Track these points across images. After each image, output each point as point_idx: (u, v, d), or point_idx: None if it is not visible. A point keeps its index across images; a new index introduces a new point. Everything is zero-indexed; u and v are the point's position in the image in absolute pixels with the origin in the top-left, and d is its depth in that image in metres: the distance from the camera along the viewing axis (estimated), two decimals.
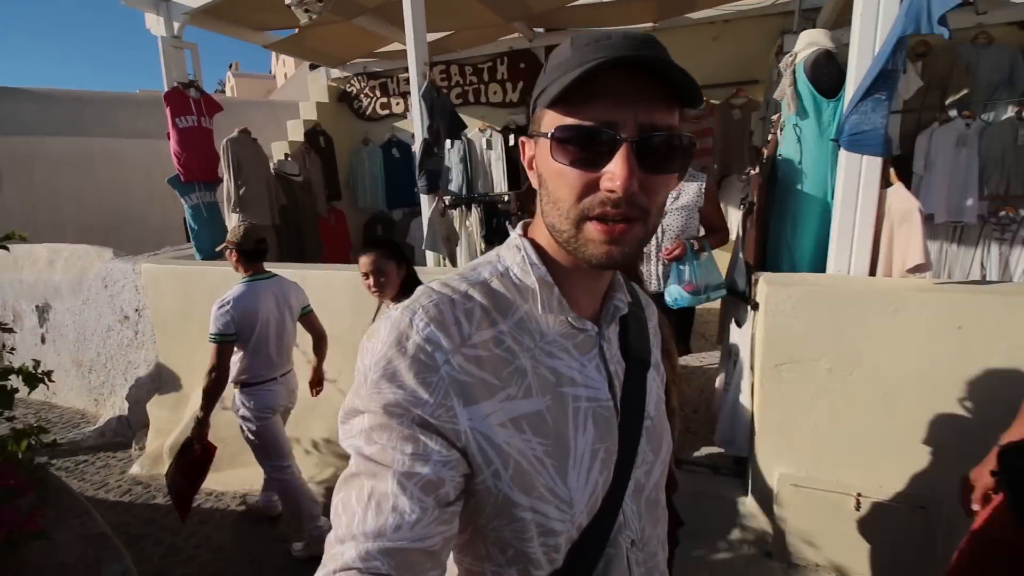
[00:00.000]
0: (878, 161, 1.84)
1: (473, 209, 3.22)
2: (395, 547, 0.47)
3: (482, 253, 3.29)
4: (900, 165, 3.81)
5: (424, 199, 2.88)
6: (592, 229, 0.52)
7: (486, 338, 0.55)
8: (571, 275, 0.60)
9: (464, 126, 3.26)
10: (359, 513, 0.49)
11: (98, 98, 8.81)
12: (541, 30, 4.91)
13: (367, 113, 5.55)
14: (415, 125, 2.77)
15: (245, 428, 2.36)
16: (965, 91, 3.55)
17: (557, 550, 0.58)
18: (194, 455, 2.20)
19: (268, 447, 2.37)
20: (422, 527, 0.49)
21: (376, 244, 1.91)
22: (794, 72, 2.41)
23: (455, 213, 2.92)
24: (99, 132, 8.20)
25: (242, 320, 2.22)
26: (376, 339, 0.54)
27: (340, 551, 0.48)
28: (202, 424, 2.21)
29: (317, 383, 2.61)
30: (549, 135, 0.51)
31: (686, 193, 2.24)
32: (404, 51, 4.88)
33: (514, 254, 0.61)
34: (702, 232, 2.41)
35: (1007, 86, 3.55)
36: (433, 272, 2.81)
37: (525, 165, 0.59)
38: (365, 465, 0.51)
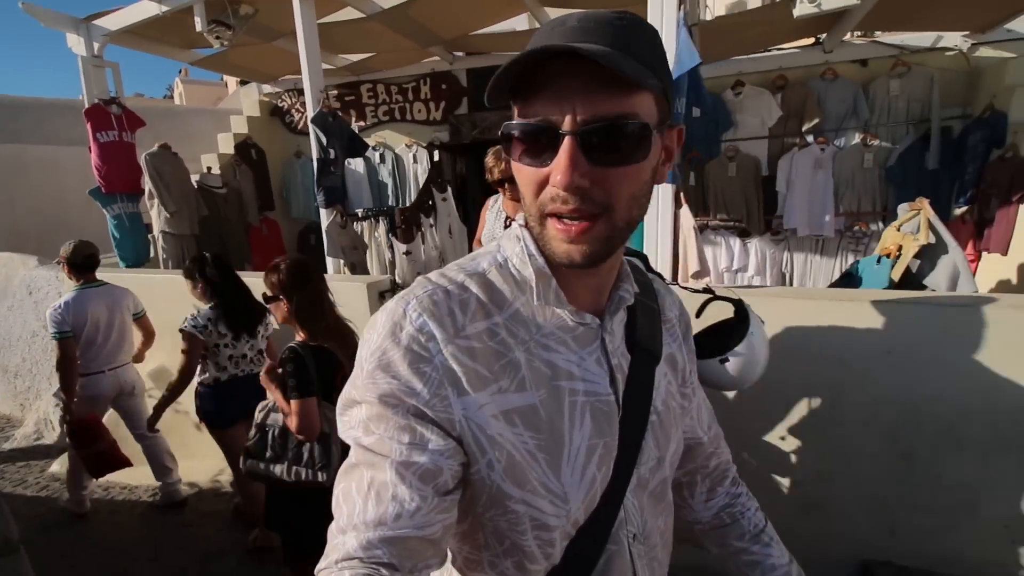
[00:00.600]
0: (669, 187, 2.22)
1: (380, 220, 3.50)
2: (396, 535, 0.48)
3: (388, 262, 3.59)
4: (766, 185, 4.33)
5: (323, 212, 3.17)
6: (552, 227, 0.52)
7: (479, 330, 0.55)
8: (570, 270, 0.57)
9: (366, 146, 3.55)
10: (359, 503, 0.49)
11: (34, 104, 8.71)
12: (461, 54, 5.25)
13: (299, 127, 5.76)
14: (312, 147, 3.05)
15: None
16: (817, 120, 4.06)
17: (552, 545, 0.57)
18: (72, 428, 2.67)
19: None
20: (422, 515, 0.49)
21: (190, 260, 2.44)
22: None
23: (365, 224, 3.20)
24: (35, 139, 8.13)
25: (74, 320, 2.65)
26: (373, 330, 0.54)
27: (342, 541, 0.49)
28: (68, 403, 2.68)
29: (138, 359, 3.07)
30: (500, 133, 0.52)
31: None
32: (333, 69, 5.24)
33: (514, 244, 0.60)
34: None
35: (852, 115, 4.08)
36: (334, 277, 3.10)
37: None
38: (364, 455, 0.51)
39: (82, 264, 2.77)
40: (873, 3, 2.83)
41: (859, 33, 4.03)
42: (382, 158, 5.55)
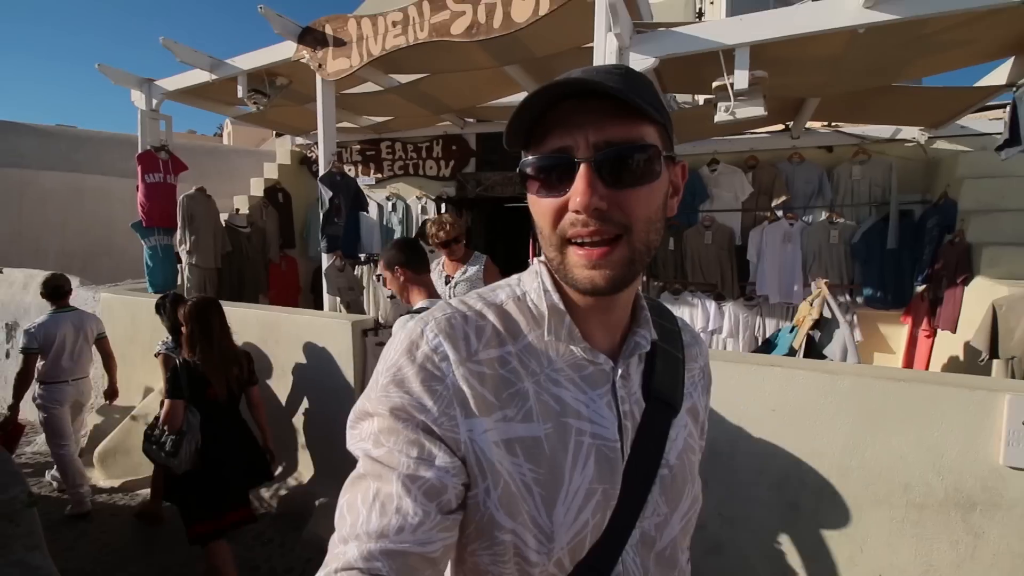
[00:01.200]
0: None
1: (375, 265, 3.92)
2: (397, 549, 0.47)
3: (385, 302, 3.97)
4: (739, 254, 4.65)
5: (324, 256, 3.62)
6: (573, 254, 0.53)
7: (492, 357, 0.56)
8: (584, 305, 0.59)
9: (367, 203, 4.04)
10: (363, 513, 0.49)
11: (94, 137, 9.67)
12: (471, 120, 5.83)
13: None
14: (321, 201, 3.53)
15: (40, 413, 3.38)
16: (785, 197, 4.41)
17: None
18: (5, 432, 3.19)
19: (54, 429, 3.35)
20: (424, 531, 0.49)
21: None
22: None
23: (367, 268, 3.62)
24: (92, 169, 9.02)
25: (44, 339, 3.27)
26: (391, 347, 0.57)
27: (343, 550, 0.48)
28: (13, 410, 3.20)
29: (111, 395, 3.65)
30: (518, 171, 0.55)
31: (471, 271, 2.96)
32: (357, 128, 5.87)
33: (532, 279, 0.62)
34: None
35: (818, 195, 4.42)
36: (324, 314, 3.50)
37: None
38: (372, 467, 0.52)
39: (50, 293, 3.45)
40: (815, 105, 3.22)
41: (824, 123, 4.42)
42: (394, 207, 6.09)
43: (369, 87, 4.46)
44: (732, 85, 2.33)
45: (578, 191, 0.50)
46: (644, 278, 4.90)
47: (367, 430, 0.54)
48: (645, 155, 0.52)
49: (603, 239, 0.51)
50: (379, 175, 6.21)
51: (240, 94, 3.99)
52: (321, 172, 3.53)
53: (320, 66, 3.50)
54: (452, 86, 4.51)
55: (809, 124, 4.38)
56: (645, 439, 0.61)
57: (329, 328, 3.08)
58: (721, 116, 2.43)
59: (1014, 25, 2.09)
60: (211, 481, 2.31)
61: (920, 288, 4.02)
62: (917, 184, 4.22)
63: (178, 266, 4.74)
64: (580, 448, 0.57)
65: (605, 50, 2.53)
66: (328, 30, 3.43)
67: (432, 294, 2.01)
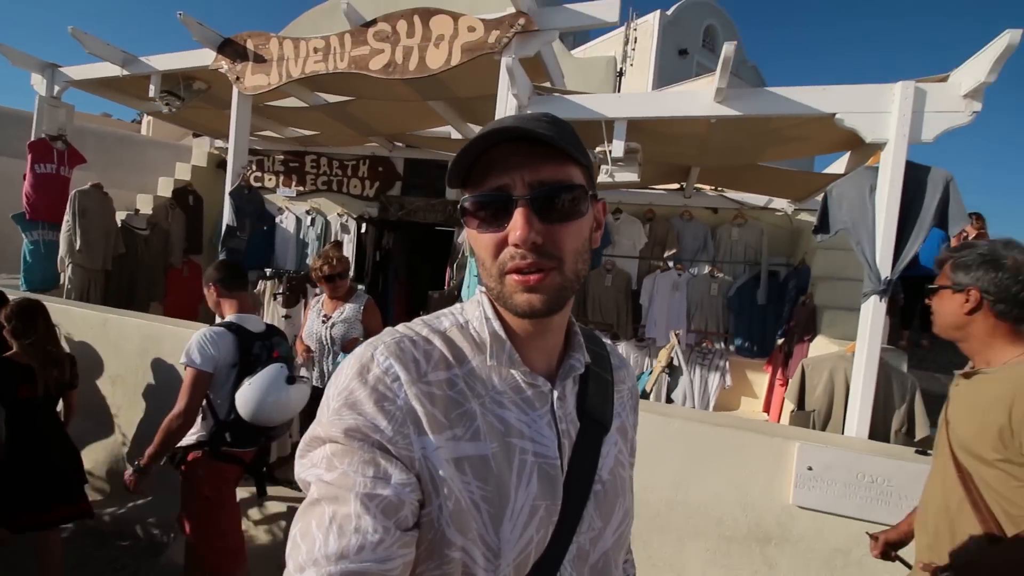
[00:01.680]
0: None
1: (278, 280, 3.89)
2: (358, 569, 0.47)
3: (279, 321, 3.93)
4: (634, 297, 5.03)
5: None
6: (511, 281, 0.57)
7: (440, 378, 0.58)
8: (523, 332, 0.63)
9: (273, 219, 4.04)
10: (320, 538, 0.49)
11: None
12: (400, 144, 5.96)
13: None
14: (225, 215, 3.50)
15: None
16: (675, 250, 4.87)
17: None
18: None
19: None
20: (384, 548, 0.49)
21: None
22: None
23: (270, 284, 3.58)
24: None
25: None
26: (341, 372, 0.58)
27: None
28: None
29: None
30: (459, 207, 0.60)
31: (348, 310, 2.82)
32: (281, 139, 5.81)
33: (474, 308, 0.65)
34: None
35: (703, 251, 4.92)
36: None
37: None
38: (326, 490, 0.51)
39: None
40: (698, 171, 3.64)
41: (712, 187, 4.96)
42: (312, 222, 6.04)
43: (296, 102, 4.49)
44: (610, 152, 2.63)
45: (517, 226, 0.55)
46: None
47: (319, 455, 0.54)
48: (573, 194, 0.58)
49: (539, 268, 0.56)
50: (301, 188, 6.15)
51: (152, 94, 3.89)
52: (228, 185, 3.51)
53: (238, 79, 3.52)
54: (379, 112, 4.63)
55: (700, 186, 4.90)
56: (580, 456, 0.65)
57: None
58: (602, 178, 2.72)
59: (838, 130, 2.53)
60: (22, 476, 2.27)
61: (779, 341, 4.55)
62: (783, 249, 4.81)
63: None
64: (524, 466, 0.60)
65: (506, 106, 2.77)
66: (249, 45, 3.47)
67: (243, 309, 2.17)
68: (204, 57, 3.65)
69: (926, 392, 5.01)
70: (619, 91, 5.86)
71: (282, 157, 6.19)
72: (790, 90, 2.39)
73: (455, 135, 5.52)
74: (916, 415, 2.42)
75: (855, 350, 2.42)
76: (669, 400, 2.61)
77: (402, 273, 6.73)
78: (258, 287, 3.36)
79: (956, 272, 1.30)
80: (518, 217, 0.56)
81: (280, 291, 3.23)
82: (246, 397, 1.94)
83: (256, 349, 2.07)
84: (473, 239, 0.61)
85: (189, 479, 2.03)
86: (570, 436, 0.65)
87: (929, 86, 2.23)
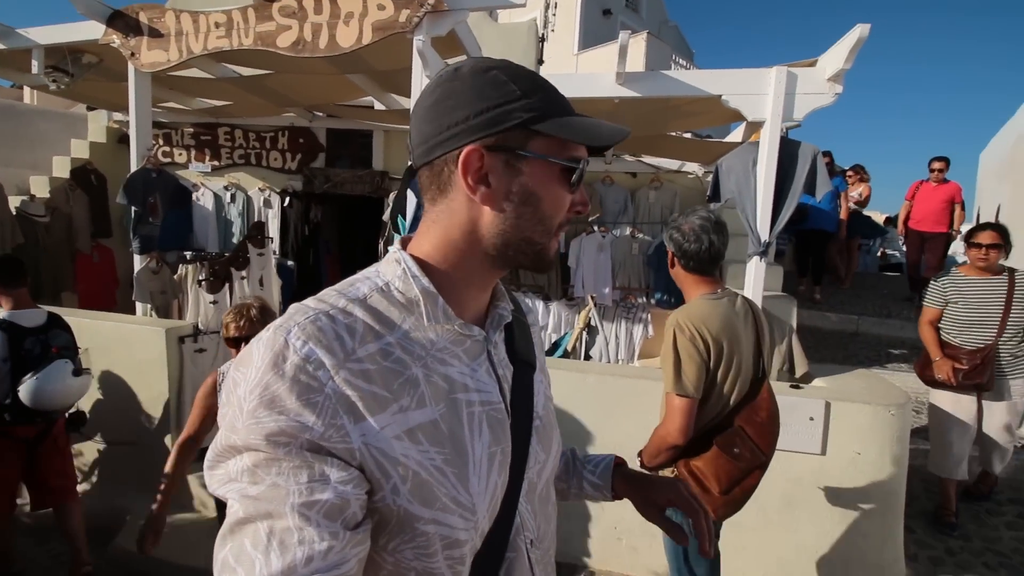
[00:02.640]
0: None
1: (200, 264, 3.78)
2: None
3: (207, 307, 3.87)
4: (562, 259, 5.29)
5: (136, 258, 3.45)
6: (555, 240, 0.64)
7: (372, 351, 0.54)
8: (458, 285, 0.62)
9: (190, 195, 3.89)
10: (259, 559, 0.45)
11: None
12: (321, 114, 5.76)
13: None
14: (120, 198, 3.34)
15: None
16: (598, 214, 5.14)
17: (462, 562, 0.57)
18: None
19: None
20: (335, 554, 0.46)
21: None
22: None
23: (191, 268, 3.48)
24: None
25: None
26: (248, 365, 0.51)
27: None
28: None
29: None
30: (566, 163, 0.60)
31: None
32: (190, 110, 5.46)
33: (394, 268, 0.61)
34: None
35: (624, 213, 5.23)
36: (135, 319, 3.35)
37: (469, 178, 0.58)
38: (255, 507, 0.47)
39: None
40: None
41: (630, 153, 5.22)
42: (232, 198, 5.81)
43: (201, 72, 4.23)
44: None
45: (585, 196, 0.64)
46: None
47: (237, 467, 0.49)
48: None
49: None
50: (216, 162, 5.85)
51: (35, 70, 3.57)
52: (132, 169, 3.34)
53: (133, 55, 3.31)
54: (296, 84, 4.46)
55: (619, 153, 5.14)
56: (518, 397, 0.67)
57: (140, 335, 3.00)
58: None
59: (726, 108, 2.78)
60: None
61: None
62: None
63: None
64: (473, 418, 0.59)
65: (420, 87, 2.81)
66: (143, 18, 3.25)
67: (19, 305, 2.39)
68: (93, 30, 3.38)
69: (817, 328, 5.68)
70: (542, 57, 5.91)
71: (191, 130, 5.83)
72: (681, 73, 2.61)
73: (379, 106, 5.43)
74: (795, 355, 2.84)
75: None
76: (588, 357, 2.89)
77: (334, 246, 6.65)
78: (178, 272, 3.28)
79: (668, 241, 1.68)
80: (583, 190, 0.63)
81: (203, 277, 3.18)
82: (31, 388, 2.27)
83: (28, 344, 2.33)
84: (551, 193, 0.60)
85: None
86: (507, 380, 0.67)
87: (800, 70, 2.52)
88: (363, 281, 0.61)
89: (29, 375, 2.27)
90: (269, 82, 4.36)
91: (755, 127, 3.29)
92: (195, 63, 3.76)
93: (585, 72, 3.11)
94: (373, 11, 2.78)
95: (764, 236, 2.61)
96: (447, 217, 0.61)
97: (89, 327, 3.05)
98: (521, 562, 0.65)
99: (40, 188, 5.09)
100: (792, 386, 2.51)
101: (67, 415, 2.65)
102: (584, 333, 3.13)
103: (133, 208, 3.32)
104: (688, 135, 4.83)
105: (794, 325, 4.16)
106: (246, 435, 0.48)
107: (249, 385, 0.49)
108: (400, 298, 0.59)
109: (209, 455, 0.52)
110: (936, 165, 5.74)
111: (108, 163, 5.67)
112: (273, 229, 5.75)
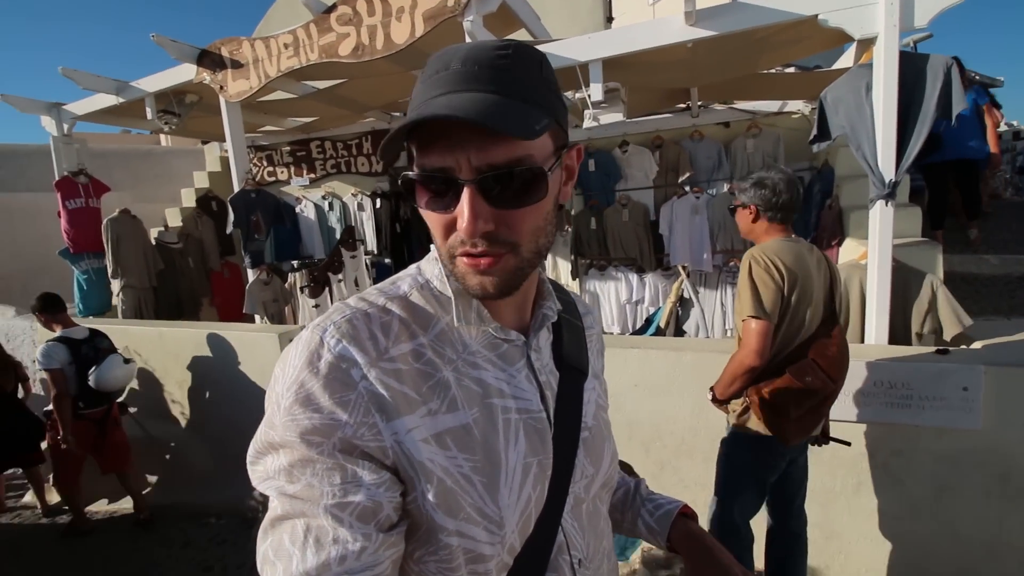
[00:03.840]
0: None
1: (302, 272, 4.07)
2: None
3: (311, 311, 4.17)
4: (654, 228, 4.97)
5: (249, 272, 3.79)
6: (461, 264, 0.52)
7: (404, 351, 0.53)
8: None
9: (292, 211, 4.18)
10: (296, 554, 0.46)
11: (15, 151, 9.26)
12: (398, 114, 5.92)
13: (257, 180, 6.41)
14: (229, 222, 3.68)
15: None
16: (689, 173, 4.72)
17: None
18: None
19: None
20: (369, 555, 0.47)
21: None
22: None
23: (299, 275, 3.78)
24: (16, 187, 8.70)
25: None
26: (286, 363, 0.51)
27: None
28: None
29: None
30: (400, 180, 0.54)
31: None
32: (284, 130, 5.90)
33: (433, 266, 0.60)
34: None
35: (719, 169, 4.75)
36: (251, 327, 3.70)
37: None
38: (292, 505, 0.48)
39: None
40: (698, 94, 3.46)
41: (720, 102, 4.71)
42: (331, 206, 6.19)
43: (284, 93, 4.52)
44: (589, 96, 2.57)
45: (463, 216, 0.49)
46: (573, 256, 5.21)
47: (275, 465, 0.50)
48: (530, 177, 0.50)
49: (491, 254, 0.51)
50: (312, 175, 6.29)
51: (149, 116, 4.03)
52: (234, 191, 3.66)
53: (222, 88, 3.59)
54: (369, 89, 4.61)
55: (706, 102, 4.66)
56: (564, 406, 0.63)
57: (258, 342, 3.29)
58: (588, 122, 2.68)
59: (830, 27, 2.36)
60: None
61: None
62: (804, 153, 4.56)
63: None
64: (509, 425, 0.57)
65: None
66: (225, 52, 3.51)
67: (67, 325, 3.27)
68: (187, 72, 3.73)
69: (972, 275, 4.79)
70: (611, 14, 5.52)
71: (288, 148, 6.30)
72: None
73: None
74: (942, 313, 2.37)
75: (867, 257, 2.37)
76: (682, 332, 2.66)
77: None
78: (288, 280, 3.56)
79: (740, 194, 1.81)
80: (465, 206, 0.49)
81: (304, 284, 3.42)
82: (97, 376, 3.11)
83: (84, 350, 3.18)
84: (424, 215, 0.54)
85: (52, 432, 3.17)
86: (551, 387, 0.63)
87: None
88: (405, 279, 0.60)
89: (92, 369, 3.10)
90: (344, 91, 4.55)
91: (868, 46, 2.77)
92: (276, 85, 4.01)
93: (655, 19, 2.82)
94: (422, 1, 2.73)
95: (889, 175, 2.18)
96: None
97: (214, 338, 3.42)
98: None
99: (174, 218, 5.81)
100: (939, 351, 2.10)
101: (118, 401, 3.45)
102: (677, 307, 2.88)
103: (228, 231, 3.65)
104: (791, 69, 4.22)
105: (940, 275, 3.52)
106: (283, 432, 0.49)
107: (287, 382, 0.50)
108: (439, 296, 0.58)
109: (251, 450, 0.53)
110: None
111: (225, 189, 6.30)
112: (368, 231, 6.07)
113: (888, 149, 2.16)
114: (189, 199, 6.09)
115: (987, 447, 1.94)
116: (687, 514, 0.77)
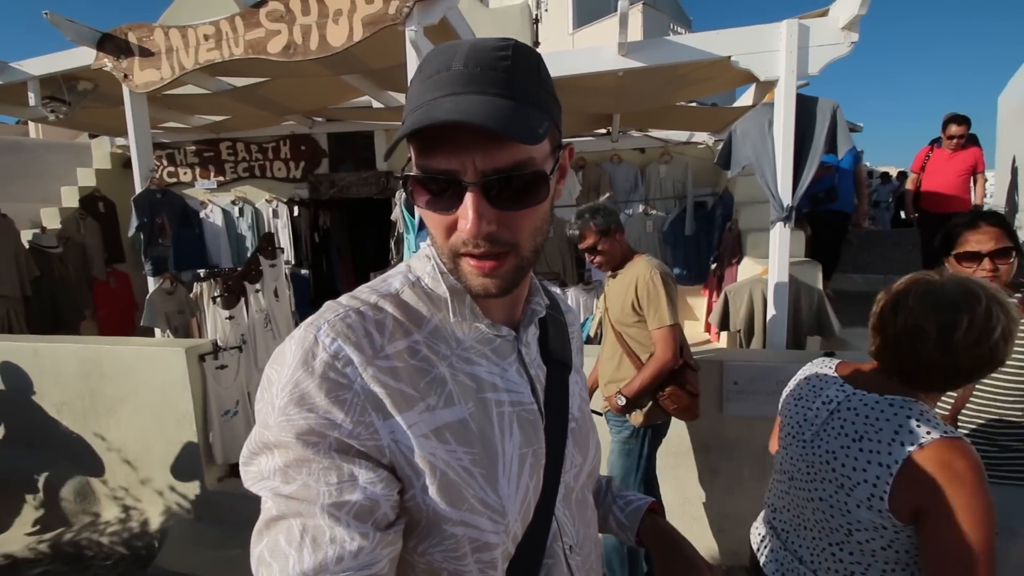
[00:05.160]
0: None
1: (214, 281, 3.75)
2: None
3: (223, 323, 3.85)
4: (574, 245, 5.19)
5: (150, 280, 3.45)
6: (465, 264, 0.53)
7: (400, 349, 0.54)
8: None
9: (196, 220, 3.88)
10: (293, 554, 0.46)
11: None
12: (320, 119, 5.71)
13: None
14: (132, 223, 3.33)
15: None
16: (609, 193, 5.02)
17: (494, 567, 0.56)
18: None
19: None
20: (366, 554, 0.47)
21: None
22: None
23: (204, 285, 3.46)
24: None
25: None
26: (281, 363, 0.51)
27: None
28: None
29: None
30: (402, 180, 0.67)
31: None
32: (189, 128, 5.46)
33: (424, 264, 0.61)
34: None
35: (635, 191, 5.11)
36: (154, 341, 3.35)
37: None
38: (287, 505, 0.48)
39: None
40: (620, 120, 3.72)
41: (637, 129, 5.09)
42: (241, 212, 5.81)
43: (194, 88, 4.20)
44: None
45: (467, 218, 0.50)
46: None
47: (270, 465, 0.49)
48: (533, 180, 0.52)
49: (493, 255, 0.52)
50: (221, 178, 5.86)
51: (32, 102, 3.57)
52: (137, 191, 3.33)
53: (127, 76, 3.27)
54: (292, 91, 4.41)
55: (625, 128, 5.01)
56: (552, 398, 0.65)
57: (161, 356, 2.99)
58: None
59: (739, 69, 2.65)
60: None
61: (713, 266, 4.87)
62: (708, 179, 5.06)
63: None
64: (503, 418, 0.58)
65: None
66: (132, 38, 3.21)
67: None
68: (84, 56, 3.35)
69: (843, 292, 5.50)
70: (537, 39, 5.77)
71: (194, 148, 5.83)
72: (687, 37, 2.49)
73: (377, 104, 5.36)
74: (824, 319, 2.73)
75: (767, 273, 2.67)
76: None
77: (346, 251, 6.62)
78: (193, 290, 3.26)
79: (595, 222, 2.18)
80: (469, 207, 0.50)
81: (217, 294, 3.16)
82: None
83: None
84: (424, 215, 0.55)
85: None
86: (540, 380, 0.65)
87: (811, 22, 2.38)
88: (396, 276, 0.61)
89: None
90: (265, 91, 4.32)
91: (766, 88, 3.15)
92: (189, 79, 3.72)
93: (589, 47, 3.04)
94: (361, 6, 2.70)
95: (787, 200, 2.49)
96: None
97: (110, 353, 3.06)
98: (560, 569, 0.63)
99: (51, 220, 5.13)
100: (826, 354, 2.40)
101: None
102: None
103: (142, 233, 3.31)
104: (694, 104, 4.66)
105: (822, 289, 4.03)
106: (278, 432, 0.48)
107: (281, 382, 0.49)
108: (430, 293, 0.59)
109: (244, 451, 0.52)
110: (954, 130, 4.50)
111: (115, 189, 5.70)
112: (284, 239, 5.76)
113: (786, 178, 2.47)
114: (71, 198, 5.41)
115: None
116: (655, 510, 0.81)
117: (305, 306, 5.36)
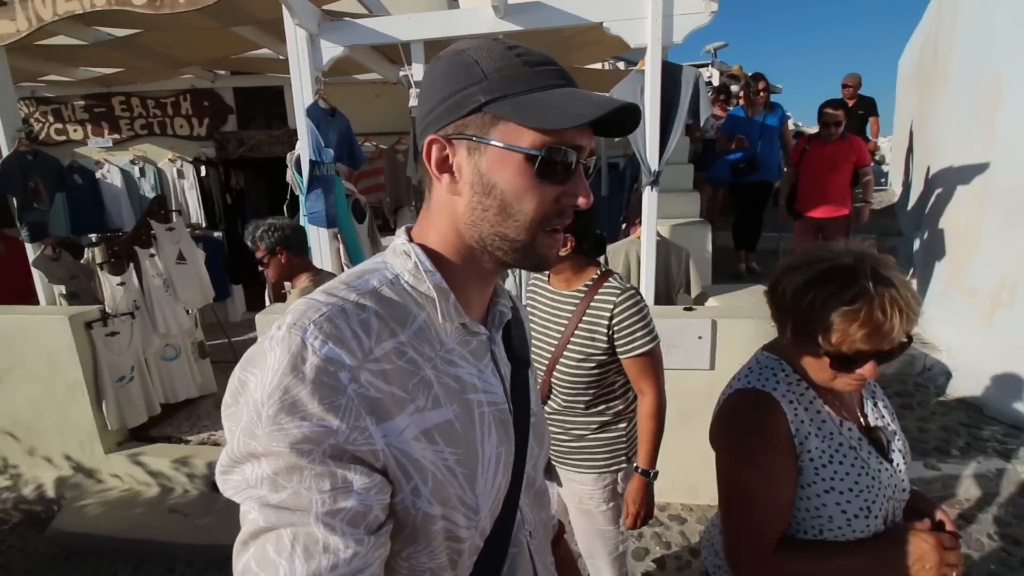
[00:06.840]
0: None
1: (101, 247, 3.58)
2: None
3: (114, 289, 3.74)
4: None
5: (29, 248, 3.28)
6: (544, 238, 0.56)
7: (388, 350, 0.53)
8: (466, 281, 0.60)
9: (74, 183, 3.67)
10: (284, 565, 0.45)
11: None
12: (224, 72, 5.38)
13: (40, 138, 5.40)
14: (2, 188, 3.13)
15: None
16: None
17: (460, 554, 0.58)
18: None
19: None
20: (360, 559, 0.47)
21: None
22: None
23: (96, 251, 3.31)
24: None
25: None
26: (262, 367, 0.48)
27: None
28: None
29: None
30: (526, 151, 0.53)
31: None
32: (76, 82, 5.03)
33: (404, 261, 0.59)
34: None
35: None
36: (36, 310, 3.23)
37: (433, 168, 0.57)
38: (276, 515, 0.47)
39: None
40: None
41: None
42: (142, 172, 5.50)
43: (66, 40, 3.87)
44: (412, 76, 2.68)
45: (584, 190, 0.56)
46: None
47: (256, 474, 0.47)
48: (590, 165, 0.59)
49: (565, 228, 0.58)
50: (117, 136, 5.49)
51: None
52: (3, 153, 3.11)
53: None
54: (184, 42, 4.14)
55: None
56: (517, 395, 0.67)
57: (44, 325, 2.90)
58: (413, 101, 2.79)
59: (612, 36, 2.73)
60: None
61: (623, 226, 5.08)
62: (619, 141, 5.19)
63: None
64: (483, 419, 0.59)
65: (296, 39, 2.67)
66: None
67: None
68: None
69: (728, 248, 5.83)
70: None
71: (82, 103, 5.41)
72: (562, 2, 2.53)
73: (282, 55, 5.09)
74: (691, 278, 2.98)
75: (640, 235, 2.87)
76: None
77: (263, 211, 6.41)
78: (85, 256, 3.13)
79: (261, 244, 2.09)
80: (581, 181, 0.56)
81: (102, 260, 3.05)
82: None
83: None
84: (516, 186, 0.54)
85: None
86: (507, 378, 0.66)
87: None
88: (371, 273, 0.58)
89: None
90: (150, 42, 4.03)
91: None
92: (60, 28, 3.44)
93: (469, 8, 2.98)
94: None
95: (654, 165, 2.65)
96: (435, 207, 0.60)
97: (3, 323, 2.95)
98: (523, 555, 0.67)
99: None
100: (685, 309, 2.65)
101: None
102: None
103: (13, 198, 3.11)
104: (604, 65, 4.73)
105: (710, 249, 4.34)
106: (267, 442, 0.46)
107: (267, 389, 0.47)
108: (412, 292, 0.58)
109: (223, 459, 0.50)
110: (829, 115, 3.81)
111: None
112: (192, 200, 5.51)
113: (654, 143, 2.63)
114: None
115: (716, 382, 2.52)
116: (557, 538, 0.88)
117: (219, 268, 5.22)
